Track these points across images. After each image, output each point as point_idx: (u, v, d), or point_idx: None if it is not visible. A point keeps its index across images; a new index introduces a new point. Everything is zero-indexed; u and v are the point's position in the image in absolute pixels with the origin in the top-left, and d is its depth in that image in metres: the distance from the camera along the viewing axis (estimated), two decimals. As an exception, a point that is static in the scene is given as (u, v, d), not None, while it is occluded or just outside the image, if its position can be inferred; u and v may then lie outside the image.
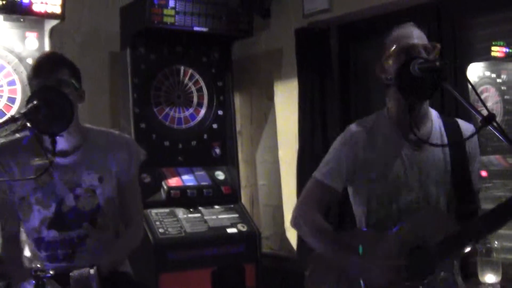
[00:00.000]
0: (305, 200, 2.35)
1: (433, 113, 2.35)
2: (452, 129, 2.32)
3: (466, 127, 2.36)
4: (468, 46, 3.63)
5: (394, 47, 2.21)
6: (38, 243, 2.43)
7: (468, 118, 3.26)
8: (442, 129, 2.32)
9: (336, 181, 2.30)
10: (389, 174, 2.25)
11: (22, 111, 2.07)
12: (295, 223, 2.36)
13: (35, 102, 2.10)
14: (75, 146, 2.43)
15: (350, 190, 2.39)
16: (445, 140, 2.30)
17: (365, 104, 4.11)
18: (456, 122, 2.37)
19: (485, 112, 1.83)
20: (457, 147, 2.28)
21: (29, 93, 2.26)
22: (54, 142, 2.19)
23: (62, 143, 2.34)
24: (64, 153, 2.40)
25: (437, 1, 3.52)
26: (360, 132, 2.30)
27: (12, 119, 2.05)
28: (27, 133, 2.16)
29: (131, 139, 2.71)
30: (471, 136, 2.23)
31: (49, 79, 2.28)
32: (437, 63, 1.95)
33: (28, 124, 2.07)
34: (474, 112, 1.86)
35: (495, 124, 1.81)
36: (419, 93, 2.05)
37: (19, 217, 2.44)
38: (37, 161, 2.31)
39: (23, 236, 2.50)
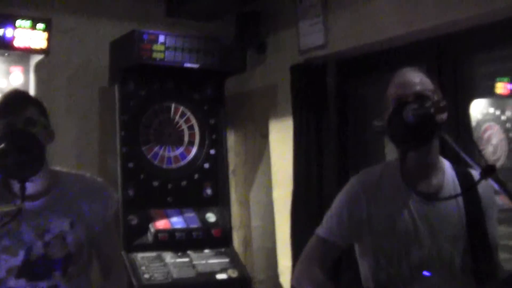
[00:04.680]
0: (307, 259, 2.21)
1: (446, 164, 2.18)
2: (465, 182, 2.13)
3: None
4: (470, 83, 3.52)
5: (388, 97, 2.08)
6: (7, 294, 2.31)
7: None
8: (456, 181, 2.15)
9: (341, 237, 2.17)
10: (396, 229, 2.09)
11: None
12: (297, 284, 2.21)
13: (2, 145, 2.01)
14: (43, 190, 2.29)
15: (356, 246, 2.24)
16: (459, 192, 2.11)
17: (362, 143, 4.02)
18: (471, 174, 2.17)
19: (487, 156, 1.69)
20: (471, 199, 2.11)
21: None
22: (23, 188, 2.09)
23: (30, 187, 2.20)
24: (32, 197, 2.26)
25: (437, 38, 3.43)
26: (365, 185, 2.15)
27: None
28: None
29: (104, 183, 2.59)
30: (473, 186, 2.06)
31: (17, 118, 2.16)
32: (432, 110, 1.81)
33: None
34: (473, 164, 1.71)
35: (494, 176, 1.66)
36: (411, 141, 1.91)
37: None
38: (3, 208, 2.16)
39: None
